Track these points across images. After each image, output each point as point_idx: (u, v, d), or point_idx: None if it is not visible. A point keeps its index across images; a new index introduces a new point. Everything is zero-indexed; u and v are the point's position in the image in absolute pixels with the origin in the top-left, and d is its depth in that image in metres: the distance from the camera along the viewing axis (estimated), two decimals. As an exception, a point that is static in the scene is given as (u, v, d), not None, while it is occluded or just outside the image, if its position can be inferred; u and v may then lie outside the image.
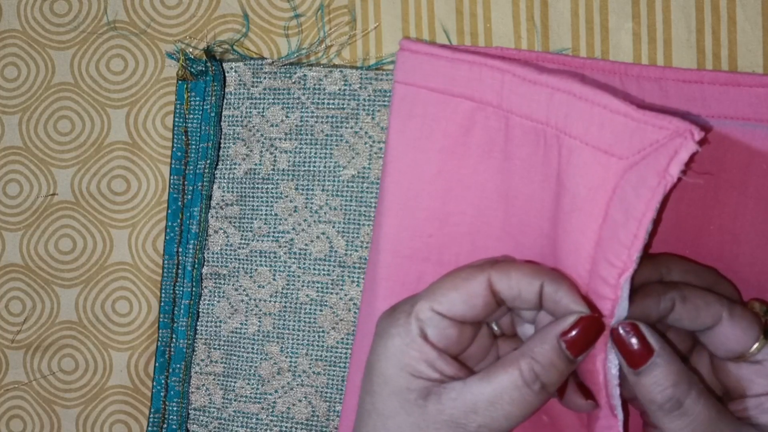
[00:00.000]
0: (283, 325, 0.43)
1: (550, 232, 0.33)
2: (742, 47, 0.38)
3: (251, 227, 0.44)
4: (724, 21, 0.38)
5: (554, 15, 0.39)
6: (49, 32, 0.45)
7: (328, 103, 0.42)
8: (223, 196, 0.44)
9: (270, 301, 0.43)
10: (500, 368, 0.30)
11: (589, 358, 0.31)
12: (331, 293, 0.43)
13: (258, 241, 0.43)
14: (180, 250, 0.44)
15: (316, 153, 0.43)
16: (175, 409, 0.45)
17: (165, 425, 0.45)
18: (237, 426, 0.44)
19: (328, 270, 0.43)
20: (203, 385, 0.44)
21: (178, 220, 0.44)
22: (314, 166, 0.43)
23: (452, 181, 0.35)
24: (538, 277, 0.30)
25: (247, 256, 0.44)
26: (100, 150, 0.45)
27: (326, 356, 0.43)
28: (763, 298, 0.35)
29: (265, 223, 0.43)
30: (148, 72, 0.44)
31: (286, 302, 0.43)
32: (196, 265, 0.44)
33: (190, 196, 0.44)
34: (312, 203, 0.43)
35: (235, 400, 0.44)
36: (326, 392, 0.43)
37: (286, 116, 0.43)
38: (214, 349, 0.44)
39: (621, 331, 0.29)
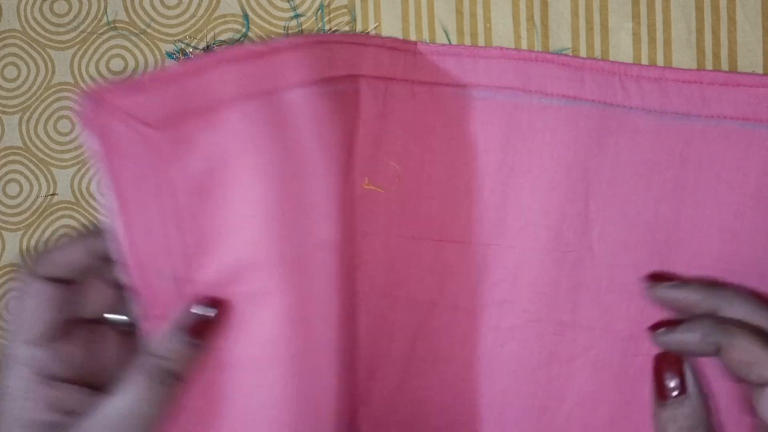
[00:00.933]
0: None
1: None
2: (742, 47, 0.38)
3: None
4: (724, 21, 0.38)
5: (554, 15, 0.39)
6: (49, 32, 0.45)
7: (328, 103, 0.42)
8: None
9: None
10: (123, 378, 0.28)
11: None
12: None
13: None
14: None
15: (315, 153, 0.42)
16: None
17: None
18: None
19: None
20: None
21: (178, 220, 0.44)
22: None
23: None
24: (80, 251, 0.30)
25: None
26: (100, 150, 0.45)
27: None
28: (763, 296, 0.35)
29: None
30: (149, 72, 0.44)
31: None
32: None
33: (190, 196, 0.44)
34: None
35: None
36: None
37: (286, 116, 0.43)
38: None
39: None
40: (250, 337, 0.31)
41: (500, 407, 0.38)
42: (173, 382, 0.29)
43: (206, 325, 0.30)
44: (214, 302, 0.30)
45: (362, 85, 0.38)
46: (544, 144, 0.37)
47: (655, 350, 0.35)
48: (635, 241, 0.37)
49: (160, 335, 0.29)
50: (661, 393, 0.32)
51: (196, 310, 0.30)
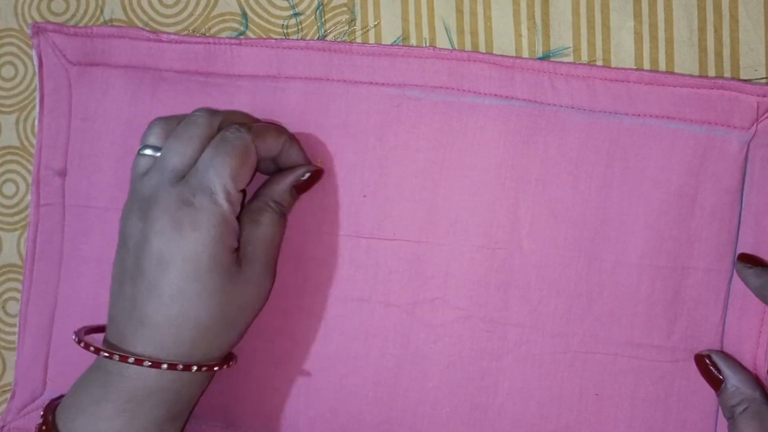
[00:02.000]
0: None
1: None
2: (744, 46, 0.37)
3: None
4: (726, 20, 0.37)
5: (555, 13, 0.39)
6: (47, 31, 0.45)
7: (327, 103, 0.42)
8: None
9: None
10: (259, 213, 0.37)
11: None
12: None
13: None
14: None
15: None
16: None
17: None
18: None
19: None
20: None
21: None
22: (313, 166, 0.43)
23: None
24: (282, 136, 0.38)
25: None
26: (97, 149, 0.45)
27: None
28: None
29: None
30: (146, 71, 0.44)
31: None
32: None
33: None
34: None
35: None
36: None
37: (285, 115, 0.43)
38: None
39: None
40: None
41: (433, 403, 0.39)
42: (284, 221, 0.38)
43: (307, 185, 0.39)
44: (315, 171, 0.39)
45: (294, 84, 0.40)
46: (475, 142, 0.38)
47: (584, 348, 0.38)
48: (563, 237, 0.38)
49: (278, 185, 0.38)
50: (711, 387, 0.36)
51: (305, 171, 0.39)
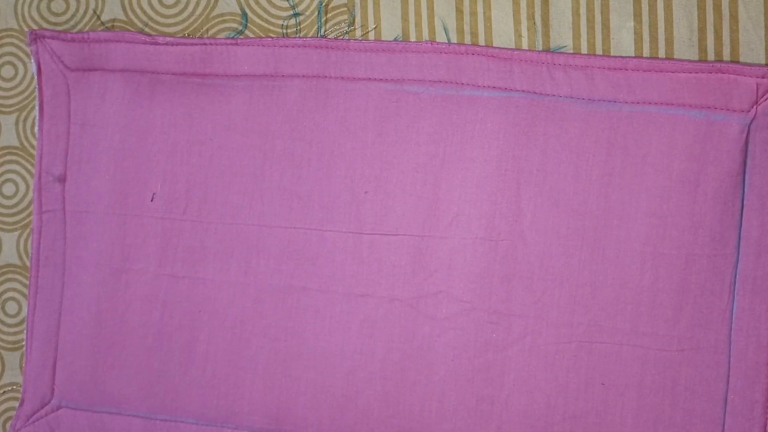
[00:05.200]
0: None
1: None
2: (744, 46, 0.37)
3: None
4: (726, 20, 0.37)
5: (555, 14, 0.39)
6: (47, 31, 0.45)
7: (327, 103, 0.42)
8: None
9: None
10: None
11: None
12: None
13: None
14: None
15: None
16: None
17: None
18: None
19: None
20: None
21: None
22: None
23: None
24: None
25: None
26: (97, 150, 0.45)
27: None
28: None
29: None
30: (146, 71, 0.44)
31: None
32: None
33: (188, 196, 0.44)
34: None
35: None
36: None
37: (285, 116, 0.43)
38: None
39: None
40: None
41: (440, 396, 0.39)
42: None
43: None
44: None
45: (292, 83, 0.40)
46: (475, 134, 0.38)
47: (589, 338, 0.37)
48: (566, 227, 0.38)
49: None
50: None
51: None
